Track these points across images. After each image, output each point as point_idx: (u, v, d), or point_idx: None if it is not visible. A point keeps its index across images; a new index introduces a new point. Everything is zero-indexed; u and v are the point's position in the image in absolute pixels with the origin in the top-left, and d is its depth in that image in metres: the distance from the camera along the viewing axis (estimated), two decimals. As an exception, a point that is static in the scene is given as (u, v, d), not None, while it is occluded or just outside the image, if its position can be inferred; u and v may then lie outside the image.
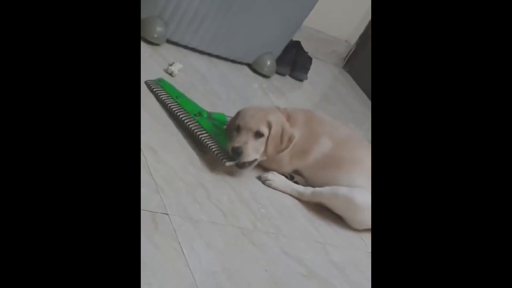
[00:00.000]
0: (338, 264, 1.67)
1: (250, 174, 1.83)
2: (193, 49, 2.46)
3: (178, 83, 2.10)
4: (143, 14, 2.26)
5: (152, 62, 2.18)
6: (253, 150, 1.74)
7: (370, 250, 1.79)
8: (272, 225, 1.66)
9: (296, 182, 1.87)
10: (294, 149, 1.85)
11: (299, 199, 1.84)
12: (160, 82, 2.00)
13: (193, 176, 1.66)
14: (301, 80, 2.87)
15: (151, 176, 1.54)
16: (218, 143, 1.78)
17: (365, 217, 1.78)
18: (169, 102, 1.90)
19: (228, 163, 1.72)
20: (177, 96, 1.94)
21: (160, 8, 2.26)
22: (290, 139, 1.80)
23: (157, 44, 2.32)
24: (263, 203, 1.73)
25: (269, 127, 1.76)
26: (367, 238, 1.84)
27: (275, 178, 1.83)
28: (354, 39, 3.39)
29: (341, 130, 1.95)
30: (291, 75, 2.86)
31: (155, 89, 1.95)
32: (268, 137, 1.76)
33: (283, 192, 1.83)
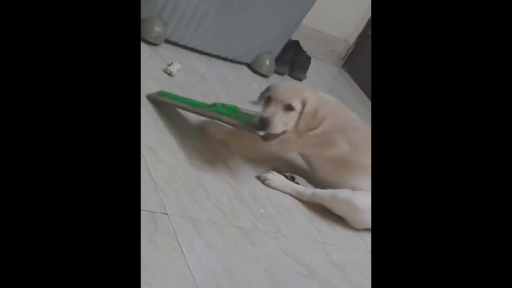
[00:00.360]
0: (338, 264, 1.66)
1: (249, 174, 1.83)
2: (192, 49, 2.46)
3: (177, 83, 2.10)
4: (142, 14, 2.26)
5: (151, 62, 2.18)
6: (281, 122, 1.68)
7: (370, 250, 1.79)
8: (272, 225, 1.66)
9: (296, 183, 1.87)
10: (314, 137, 1.79)
11: (299, 198, 1.83)
12: (161, 93, 1.95)
13: (193, 176, 1.65)
14: (300, 80, 2.87)
15: (151, 176, 1.53)
16: (243, 121, 1.78)
17: (366, 218, 1.78)
18: (178, 104, 1.90)
19: (261, 133, 1.68)
20: (184, 99, 1.93)
21: (159, 8, 2.26)
22: (323, 119, 1.75)
23: (156, 44, 2.31)
24: (263, 203, 1.73)
25: (303, 103, 1.71)
26: (367, 237, 1.84)
27: (275, 178, 1.83)
28: (353, 38, 3.39)
29: (361, 131, 1.89)
30: (290, 75, 2.86)
31: (160, 100, 1.90)
32: (300, 114, 1.71)
33: (282, 192, 1.83)
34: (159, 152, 1.66)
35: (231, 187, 1.71)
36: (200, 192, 1.61)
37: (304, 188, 1.85)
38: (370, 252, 1.77)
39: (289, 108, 1.70)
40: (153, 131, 1.74)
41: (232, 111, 1.87)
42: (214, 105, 1.89)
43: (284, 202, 1.80)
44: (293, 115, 1.71)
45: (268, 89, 1.78)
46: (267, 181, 1.82)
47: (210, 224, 1.51)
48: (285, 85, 1.76)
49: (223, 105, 1.90)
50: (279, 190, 1.82)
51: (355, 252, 1.76)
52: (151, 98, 1.90)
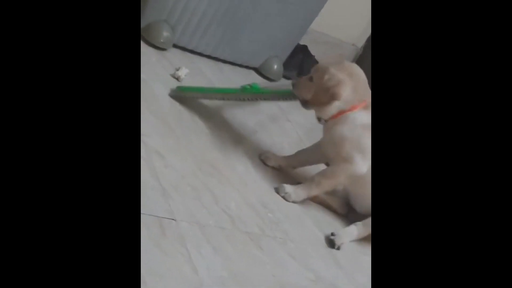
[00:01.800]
0: (346, 269, 1.66)
1: (257, 179, 1.83)
2: (200, 54, 2.47)
3: (185, 88, 2.11)
4: (150, 19, 2.27)
5: (159, 67, 2.19)
6: (302, 88, 1.81)
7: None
8: (279, 230, 1.65)
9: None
10: None
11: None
12: (182, 89, 2.04)
13: (201, 181, 1.66)
14: (307, 84, 2.87)
15: (159, 181, 1.54)
16: (281, 93, 1.93)
17: None
18: (203, 95, 2.02)
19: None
20: (208, 89, 2.07)
21: (166, 12, 2.27)
22: (333, 97, 1.74)
23: (164, 49, 2.32)
24: (271, 208, 1.73)
25: (321, 75, 1.75)
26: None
27: (344, 238, 1.77)
28: (361, 42, 3.39)
29: None
30: (298, 79, 2.86)
31: (185, 95, 2.01)
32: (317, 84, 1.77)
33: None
34: (167, 157, 1.66)
35: (238, 192, 1.71)
36: (207, 197, 1.61)
37: (356, 227, 1.79)
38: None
39: (310, 78, 1.80)
40: (161, 135, 1.75)
41: (259, 89, 1.98)
42: (244, 88, 1.96)
43: (291, 207, 1.80)
44: (311, 85, 1.79)
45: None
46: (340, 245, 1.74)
47: (217, 229, 1.51)
48: (326, 59, 1.88)
49: (250, 86, 1.98)
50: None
51: (363, 257, 1.76)
52: (174, 96, 2.00)
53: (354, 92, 1.74)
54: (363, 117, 1.73)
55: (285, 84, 2.12)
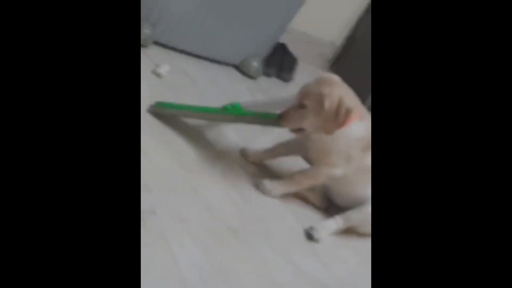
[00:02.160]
0: (326, 261, 1.68)
1: (239, 174, 1.85)
2: (181, 51, 2.47)
3: (167, 85, 2.11)
4: (130, 16, 2.27)
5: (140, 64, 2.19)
6: (293, 119, 1.74)
7: (357, 248, 1.82)
8: (260, 224, 1.67)
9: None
10: (364, 143, 1.73)
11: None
12: (161, 105, 1.91)
13: (182, 176, 1.67)
14: (287, 81, 2.89)
15: (141, 177, 1.55)
16: (264, 118, 1.85)
17: None
18: (184, 113, 1.92)
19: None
20: (189, 107, 1.93)
21: (146, 10, 2.27)
22: (349, 113, 1.67)
23: (144, 46, 2.33)
24: (252, 202, 1.75)
25: (317, 100, 1.68)
26: (354, 238, 1.85)
27: (322, 231, 1.78)
28: (339, 40, 3.42)
29: None
30: (277, 77, 2.88)
31: (165, 112, 1.91)
32: (322, 112, 1.68)
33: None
34: (149, 153, 1.67)
35: (220, 187, 1.73)
36: (189, 192, 1.62)
37: (335, 222, 1.81)
38: (356, 250, 1.80)
39: (301, 106, 1.73)
40: (143, 132, 1.76)
41: (241, 110, 1.91)
42: (225, 108, 1.90)
43: (273, 202, 1.82)
44: (304, 112, 1.72)
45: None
46: (316, 237, 1.75)
47: (199, 224, 1.52)
48: (313, 80, 1.74)
49: (232, 106, 1.92)
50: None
51: (342, 250, 1.78)
52: (153, 112, 1.89)
53: (352, 99, 1.72)
54: (358, 130, 1.73)
55: (266, 102, 2.09)
